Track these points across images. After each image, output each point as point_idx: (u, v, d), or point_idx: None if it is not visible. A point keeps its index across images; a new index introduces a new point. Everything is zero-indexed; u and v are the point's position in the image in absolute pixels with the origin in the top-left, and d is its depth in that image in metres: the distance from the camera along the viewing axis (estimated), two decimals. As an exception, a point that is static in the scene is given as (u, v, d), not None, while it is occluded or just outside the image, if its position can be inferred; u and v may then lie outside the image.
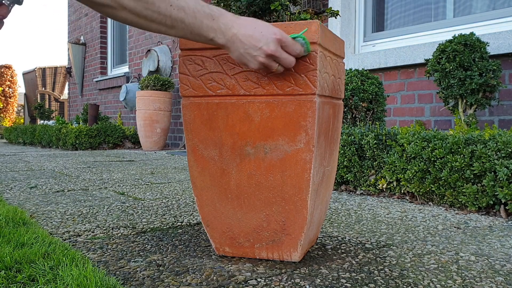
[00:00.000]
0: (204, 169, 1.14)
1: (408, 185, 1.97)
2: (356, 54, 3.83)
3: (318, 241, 1.34)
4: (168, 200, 2.00)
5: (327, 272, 1.07)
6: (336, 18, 1.35)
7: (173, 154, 4.68)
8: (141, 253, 1.21)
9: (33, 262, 1.07)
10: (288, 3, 1.20)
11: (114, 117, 7.36)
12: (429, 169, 1.88)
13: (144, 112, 5.20)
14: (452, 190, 1.82)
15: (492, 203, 1.71)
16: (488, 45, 2.45)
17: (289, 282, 1.00)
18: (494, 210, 1.74)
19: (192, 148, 1.14)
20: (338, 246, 1.29)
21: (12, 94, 13.54)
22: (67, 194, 2.17)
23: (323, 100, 1.08)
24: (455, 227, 1.53)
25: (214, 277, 1.03)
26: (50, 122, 8.67)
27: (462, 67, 2.40)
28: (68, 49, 8.94)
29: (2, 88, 13.20)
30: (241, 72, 1.08)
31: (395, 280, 1.02)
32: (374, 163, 2.12)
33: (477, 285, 1.00)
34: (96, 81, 8.13)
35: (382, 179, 2.09)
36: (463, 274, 1.07)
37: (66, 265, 1.04)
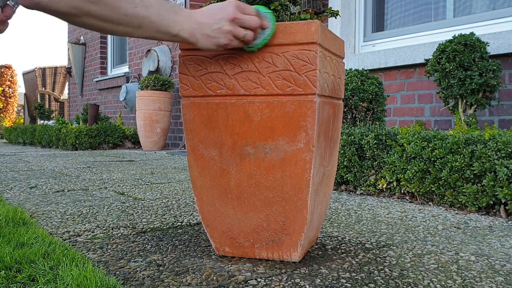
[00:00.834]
0: (204, 169, 1.14)
1: (408, 185, 1.97)
2: (356, 54, 3.83)
3: (318, 241, 1.34)
4: (168, 200, 2.00)
5: (327, 272, 1.07)
6: (336, 18, 1.35)
7: (173, 154, 4.68)
8: (141, 253, 1.21)
9: (33, 262, 1.07)
10: (288, 3, 1.20)
11: (114, 117, 7.36)
12: (429, 169, 1.88)
13: (144, 112, 5.20)
14: (452, 190, 1.82)
15: (492, 203, 1.71)
16: (488, 45, 2.45)
17: (289, 282, 1.00)
18: (494, 210, 1.74)
19: (192, 148, 1.14)
20: (338, 246, 1.29)
21: (12, 94, 13.55)
22: (67, 194, 2.17)
23: (323, 100, 1.08)
24: (455, 227, 1.53)
25: (214, 277, 1.03)
26: (50, 122, 8.67)
27: (462, 67, 2.40)
28: (68, 49, 8.95)
29: (2, 88, 13.20)
30: (241, 72, 1.08)
31: (395, 280, 1.02)
32: (374, 163, 2.12)
33: (477, 285, 1.00)
34: (96, 81, 8.13)
35: (382, 179, 2.09)
36: (463, 274, 1.07)
37: (66, 265, 1.04)
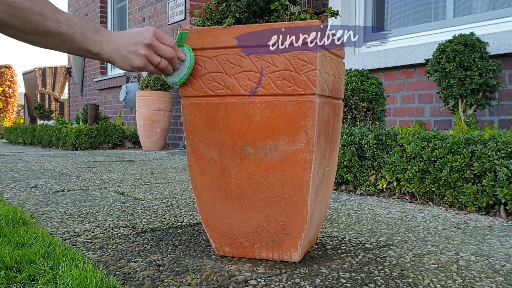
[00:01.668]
0: (204, 169, 1.14)
1: (408, 185, 1.97)
2: (356, 54, 3.83)
3: (318, 241, 1.34)
4: (168, 200, 2.00)
5: (327, 272, 1.07)
6: (336, 18, 1.35)
7: (173, 154, 4.68)
8: (141, 253, 1.21)
9: (33, 262, 1.07)
10: (288, 3, 1.20)
11: (114, 117, 7.36)
12: (429, 169, 1.88)
13: (144, 112, 5.20)
14: (452, 190, 1.82)
15: (492, 203, 1.71)
16: (488, 45, 2.45)
17: (289, 282, 1.00)
18: (494, 210, 1.74)
19: (192, 148, 1.14)
20: (338, 246, 1.29)
21: (12, 94, 13.55)
22: (67, 194, 2.17)
23: (323, 100, 1.08)
24: (455, 227, 1.53)
25: (214, 277, 1.03)
26: (50, 122, 8.67)
27: (462, 67, 2.40)
28: (68, 49, 8.93)
29: (2, 88, 13.21)
30: (241, 72, 1.08)
31: (395, 280, 1.02)
32: (374, 163, 2.12)
33: (477, 285, 1.00)
34: (96, 81, 8.13)
35: (382, 179, 2.09)
36: (463, 274, 1.07)
37: (66, 265, 1.04)
